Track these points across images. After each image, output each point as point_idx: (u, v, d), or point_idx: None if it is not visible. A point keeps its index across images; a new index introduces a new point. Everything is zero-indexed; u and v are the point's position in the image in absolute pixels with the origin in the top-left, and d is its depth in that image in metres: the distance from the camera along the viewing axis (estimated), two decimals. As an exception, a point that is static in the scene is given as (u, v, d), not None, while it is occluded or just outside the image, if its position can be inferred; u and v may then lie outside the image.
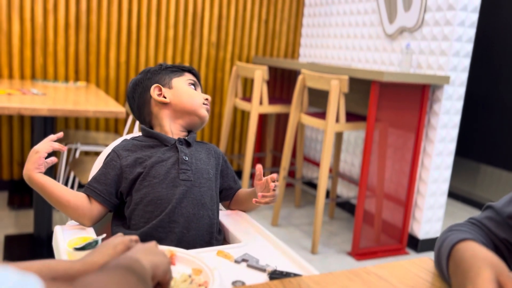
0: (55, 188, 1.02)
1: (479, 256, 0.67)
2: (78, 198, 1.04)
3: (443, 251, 0.77)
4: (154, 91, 1.18)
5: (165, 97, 1.17)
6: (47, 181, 1.02)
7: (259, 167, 1.07)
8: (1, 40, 2.98)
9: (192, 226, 1.06)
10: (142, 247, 0.69)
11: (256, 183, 1.10)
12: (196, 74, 1.25)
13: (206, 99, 1.21)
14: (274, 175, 1.06)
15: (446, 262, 0.76)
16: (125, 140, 1.17)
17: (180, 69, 1.23)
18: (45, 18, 3.08)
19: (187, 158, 1.11)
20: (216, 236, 1.11)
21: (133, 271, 0.58)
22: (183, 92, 1.19)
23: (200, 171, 1.12)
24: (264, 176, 1.08)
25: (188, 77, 1.23)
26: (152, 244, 0.71)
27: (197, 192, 1.09)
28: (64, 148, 1.05)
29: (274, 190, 1.06)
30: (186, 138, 1.16)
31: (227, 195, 1.23)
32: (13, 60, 3.04)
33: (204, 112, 1.20)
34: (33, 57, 3.09)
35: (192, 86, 1.21)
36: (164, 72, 1.22)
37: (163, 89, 1.18)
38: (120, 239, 0.73)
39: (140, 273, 0.59)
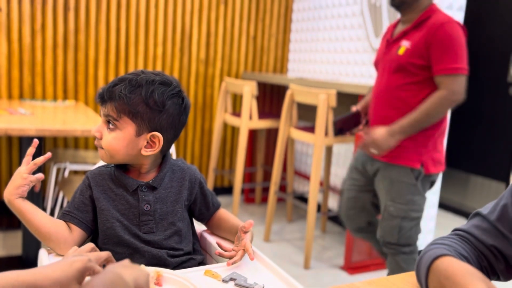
0: (35, 217, 0.97)
1: (467, 271, 0.69)
2: (59, 232, 0.99)
3: (422, 268, 0.79)
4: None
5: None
6: (28, 208, 0.96)
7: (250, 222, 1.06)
8: (-11, 60, 2.98)
9: (162, 264, 1.02)
10: (120, 263, 0.69)
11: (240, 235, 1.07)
12: None
13: None
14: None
15: (425, 278, 0.77)
16: (100, 167, 1.10)
17: None
18: (33, 39, 3.08)
19: (148, 208, 1.04)
20: (193, 257, 1.09)
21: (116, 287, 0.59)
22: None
23: (165, 216, 1.05)
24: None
25: None
26: (126, 260, 0.71)
27: (161, 239, 1.04)
28: (48, 155, 0.99)
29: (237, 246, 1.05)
30: (151, 182, 1.05)
31: (201, 219, 1.19)
32: (1, 80, 3.03)
33: None
34: (21, 77, 3.08)
35: None
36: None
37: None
38: (78, 258, 0.72)
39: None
